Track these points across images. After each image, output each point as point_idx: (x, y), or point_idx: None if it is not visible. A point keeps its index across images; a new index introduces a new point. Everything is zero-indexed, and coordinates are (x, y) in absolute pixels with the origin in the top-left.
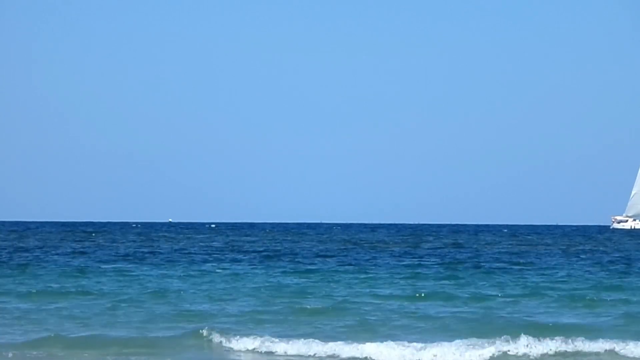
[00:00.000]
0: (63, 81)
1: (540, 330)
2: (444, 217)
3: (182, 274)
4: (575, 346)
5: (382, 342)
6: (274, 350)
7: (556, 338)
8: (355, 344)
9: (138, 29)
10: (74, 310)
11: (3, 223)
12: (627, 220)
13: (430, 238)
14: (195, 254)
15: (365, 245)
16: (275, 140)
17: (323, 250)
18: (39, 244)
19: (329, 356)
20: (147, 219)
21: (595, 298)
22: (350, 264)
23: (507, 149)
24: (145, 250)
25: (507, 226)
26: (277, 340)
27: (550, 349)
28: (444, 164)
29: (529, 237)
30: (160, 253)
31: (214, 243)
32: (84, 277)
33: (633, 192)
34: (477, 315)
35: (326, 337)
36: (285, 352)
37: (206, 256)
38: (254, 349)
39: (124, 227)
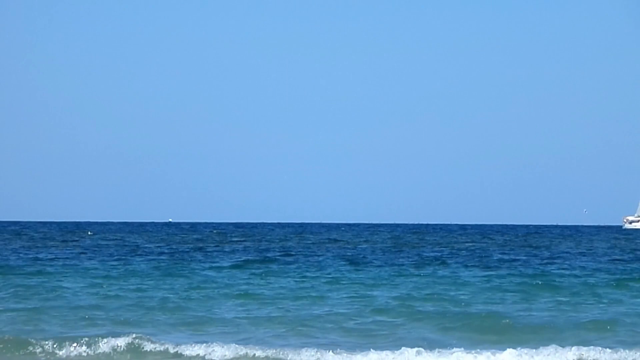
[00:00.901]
0: (63, 81)
1: None
2: (445, 218)
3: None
4: None
5: None
6: None
7: None
8: None
9: (138, 30)
10: None
11: (3, 223)
12: (639, 221)
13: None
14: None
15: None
16: (275, 140)
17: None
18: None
19: None
20: (147, 219)
21: None
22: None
23: (516, 149)
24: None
25: (525, 226)
26: None
27: None
28: (445, 164)
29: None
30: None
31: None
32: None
33: None
34: None
35: None
36: None
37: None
38: None
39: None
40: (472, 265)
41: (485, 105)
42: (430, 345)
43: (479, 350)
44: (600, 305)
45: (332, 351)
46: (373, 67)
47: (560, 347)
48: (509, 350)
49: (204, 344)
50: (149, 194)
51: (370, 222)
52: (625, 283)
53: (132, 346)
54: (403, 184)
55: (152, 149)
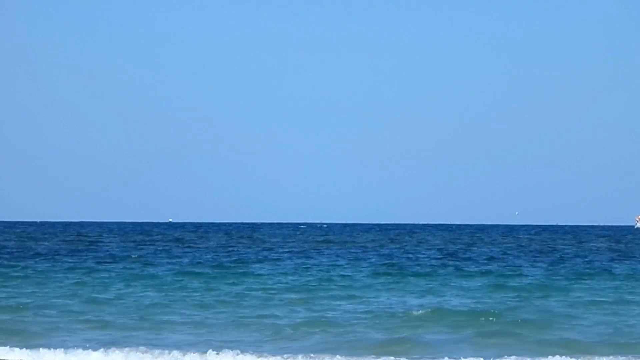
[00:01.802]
0: (63, 81)
1: None
2: (447, 218)
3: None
4: None
5: None
6: None
7: None
8: None
9: (138, 29)
10: None
11: (3, 223)
12: None
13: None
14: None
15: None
16: (275, 140)
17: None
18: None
19: None
20: (147, 219)
21: None
22: None
23: (525, 148)
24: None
25: (535, 227)
26: None
27: None
28: (447, 164)
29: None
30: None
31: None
32: None
33: None
34: None
35: None
36: None
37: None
38: None
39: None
40: None
41: (485, 106)
42: None
43: None
44: None
45: None
46: (373, 67)
47: None
48: None
49: None
50: (149, 194)
51: (368, 222)
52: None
53: None
54: (403, 184)
55: (152, 149)
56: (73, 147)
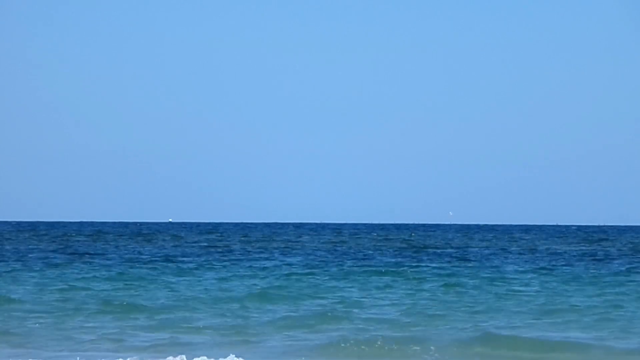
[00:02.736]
0: (63, 81)
1: None
2: (447, 218)
3: None
4: None
5: None
6: None
7: None
8: None
9: (138, 29)
10: None
11: (3, 223)
12: None
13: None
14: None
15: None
16: (275, 140)
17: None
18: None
19: None
20: (147, 219)
21: None
22: None
23: (525, 148)
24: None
25: (551, 227)
26: None
27: None
28: (447, 163)
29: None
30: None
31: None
32: None
33: None
34: None
35: None
36: None
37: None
38: None
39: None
40: None
41: (485, 105)
42: None
43: None
44: None
45: None
46: (373, 67)
47: None
48: None
49: None
50: (149, 194)
51: (370, 222)
52: None
53: None
54: (404, 184)
55: (152, 149)
56: (73, 147)
